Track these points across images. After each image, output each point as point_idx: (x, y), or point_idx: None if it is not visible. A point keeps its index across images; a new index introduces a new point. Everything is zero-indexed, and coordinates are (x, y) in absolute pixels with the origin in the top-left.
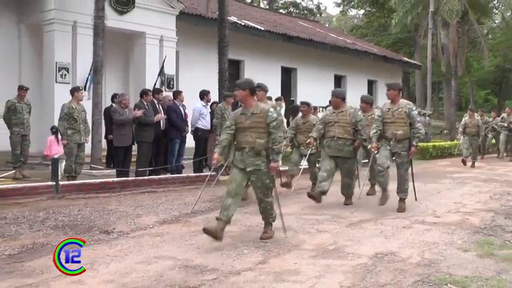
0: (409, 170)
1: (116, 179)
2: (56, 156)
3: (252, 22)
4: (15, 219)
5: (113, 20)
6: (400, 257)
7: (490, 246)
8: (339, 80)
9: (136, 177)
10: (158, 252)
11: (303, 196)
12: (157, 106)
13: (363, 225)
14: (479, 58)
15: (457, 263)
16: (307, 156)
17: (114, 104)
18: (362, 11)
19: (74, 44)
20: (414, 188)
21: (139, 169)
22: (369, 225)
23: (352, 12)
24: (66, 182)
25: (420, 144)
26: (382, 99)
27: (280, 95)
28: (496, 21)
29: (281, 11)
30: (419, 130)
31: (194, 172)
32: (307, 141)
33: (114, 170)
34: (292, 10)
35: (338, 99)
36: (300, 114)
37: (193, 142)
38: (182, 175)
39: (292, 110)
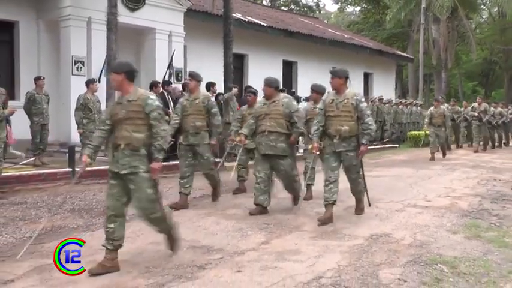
0: (361, 173)
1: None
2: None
3: (255, 18)
4: (35, 204)
5: (124, 16)
6: (394, 238)
7: (477, 228)
8: None
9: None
10: None
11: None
12: (166, 97)
13: None
14: (467, 51)
15: (446, 244)
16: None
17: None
18: (358, 8)
19: (88, 39)
20: (367, 194)
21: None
22: (365, 208)
23: (349, 9)
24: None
25: (413, 132)
26: (377, 92)
27: (282, 87)
28: (484, 17)
29: (282, 8)
30: (369, 126)
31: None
32: (238, 139)
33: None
34: (292, 7)
35: (270, 88)
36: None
37: None
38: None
39: None
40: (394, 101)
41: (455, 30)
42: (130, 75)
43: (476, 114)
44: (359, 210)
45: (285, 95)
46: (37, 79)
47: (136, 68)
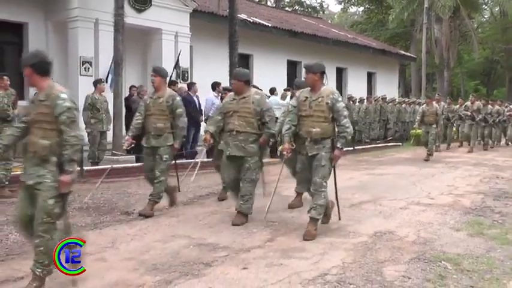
0: (332, 180)
1: (135, 164)
2: None
3: (260, 19)
4: None
5: (131, 17)
6: (398, 235)
7: (480, 226)
8: (340, 72)
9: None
10: (174, 232)
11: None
12: None
13: (363, 206)
14: (469, 51)
15: (449, 242)
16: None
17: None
18: (362, 8)
19: (96, 40)
20: (338, 205)
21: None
22: (369, 206)
23: (353, 9)
24: (90, 168)
25: (418, 131)
26: (380, 91)
27: (287, 86)
28: (485, 16)
29: (287, 8)
30: (345, 128)
31: (207, 157)
32: (203, 138)
33: (134, 156)
34: (297, 8)
35: (239, 82)
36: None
37: None
38: (196, 160)
39: None
40: (397, 100)
41: (458, 29)
42: (39, 67)
43: (469, 113)
44: (309, 234)
45: (257, 90)
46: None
47: (49, 58)
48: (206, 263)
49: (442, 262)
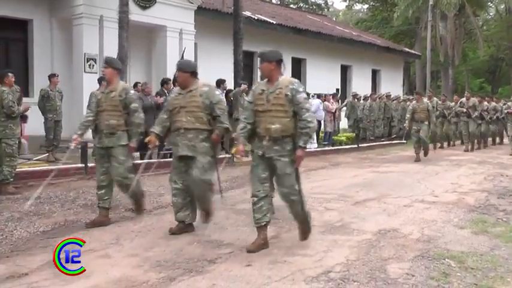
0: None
1: (139, 161)
2: None
3: (265, 16)
4: (49, 199)
5: (136, 14)
6: (402, 233)
7: (484, 223)
8: (345, 70)
9: (159, 160)
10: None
11: (312, 176)
12: None
13: (367, 203)
14: (474, 48)
15: (454, 239)
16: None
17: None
18: (366, 6)
19: (100, 37)
20: (308, 217)
21: (161, 152)
22: (373, 203)
23: (357, 6)
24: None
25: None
26: (384, 88)
27: None
28: (491, 14)
29: (291, 6)
30: (308, 123)
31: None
32: (147, 139)
33: (138, 153)
34: (301, 5)
35: (184, 73)
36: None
37: None
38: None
39: None
40: (401, 98)
41: (463, 27)
42: None
43: (464, 110)
44: (303, 234)
45: (205, 82)
46: (51, 76)
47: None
48: (210, 260)
49: (446, 260)
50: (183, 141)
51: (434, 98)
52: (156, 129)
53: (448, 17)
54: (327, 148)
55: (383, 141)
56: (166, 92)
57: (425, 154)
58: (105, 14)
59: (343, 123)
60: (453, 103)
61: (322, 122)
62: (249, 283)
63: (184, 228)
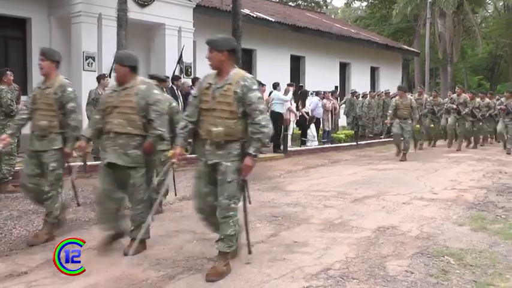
0: (241, 202)
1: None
2: None
3: (264, 14)
4: None
5: (134, 12)
6: (401, 230)
7: (483, 220)
8: (344, 67)
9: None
10: (178, 227)
11: (311, 174)
12: (176, 92)
13: (366, 201)
14: (473, 45)
15: (453, 237)
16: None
17: None
18: (365, 3)
19: (99, 35)
20: (248, 236)
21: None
22: (372, 201)
23: (356, 4)
24: (94, 163)
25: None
26: (383, 86)
27: (290, 82)
28: (489, 11)
29: (290, 3)
30: (261, 127)
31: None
32: (77, 144)
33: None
34: (300, 3)
35: (122, 67)
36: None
37: None
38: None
39: (301, 95)
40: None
41: (461, 24)
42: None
43: (454, 106)
44: (214, 272)
45: (144, 79)
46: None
47: None
48: (209, 258)
49: (445, 257)
50: (113, 147)
51: (425, 95)
52: (86, 132)
53: (446, 14)
54: (326, 145)
55: (382, 138)
56: (164, 89)
57: (405, 153)
58: (104, 12)
59: (342, 120)
60: (446, 99)
61: (321, 119)
62: (249, 281)
63: (115, 236)
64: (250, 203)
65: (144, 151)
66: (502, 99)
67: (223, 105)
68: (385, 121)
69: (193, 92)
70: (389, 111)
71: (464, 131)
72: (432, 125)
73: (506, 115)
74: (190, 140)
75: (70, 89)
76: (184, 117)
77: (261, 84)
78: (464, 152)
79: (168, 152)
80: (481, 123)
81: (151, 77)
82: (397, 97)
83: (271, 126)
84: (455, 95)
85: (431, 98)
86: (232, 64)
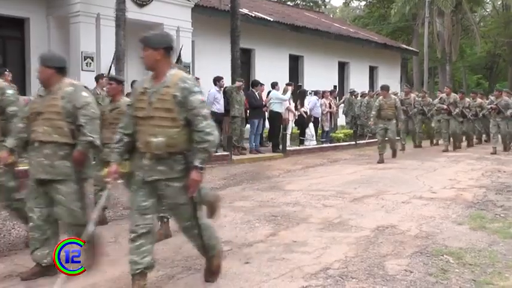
0: (199, 220)
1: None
2: None
3: (262, 13)
4: None
5: (133, 12)
6: (400, 229)
7: (482, 219)
8: (342, 66)
9: None
10: (176, 226)
11: (310, 173)
12: None
13: (366, 200)
14: (471, 44)
15: (452, 236)
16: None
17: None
18: (364, 2)
19: (97, 35)
20: (214, 251)
21: None
22: (371, 200)
23: (355, 3)
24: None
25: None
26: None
27: (289, 81)
28: (488, 10)
29: (289, 3)
30: (206, 135)
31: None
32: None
33: None
34: (298, 2)
35: (48, 69)
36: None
37: None
38: None
39: (300, 94)
40: (399, 94)
41: (460, 23)
42: None
43: (444, 106)
44: (207, 273)
45: (72, 81)
46: None
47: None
48: None
49: (444, 256)
50: (38, 159)
51: (412, 94)
52: (9, 142)
53: (445, 14)
54: (324, 145)
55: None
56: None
57: (394, 155)
58: (102, 12)
59: (341, 120)
60: (436, 99)
61: (320, 119)
62: (248, 280)
63: (41, 272)
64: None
65: (73, 162)
66: (492, 98)
67: (161, 112)
68: (369, 122)
69: (130, 98)
70: (373, 112)
71: (455, 131)
72: (424, 126)
73: (497, 114)
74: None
75: (10, 92)
76: (119, 130)
77: (260, 83)
78: (463, 151)
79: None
80: (471, 123)
81: (110, 78)
82: (380, 97)
83: (216, 133)
84: (444, 94)
85: (420, 97)
86: (170, 64)
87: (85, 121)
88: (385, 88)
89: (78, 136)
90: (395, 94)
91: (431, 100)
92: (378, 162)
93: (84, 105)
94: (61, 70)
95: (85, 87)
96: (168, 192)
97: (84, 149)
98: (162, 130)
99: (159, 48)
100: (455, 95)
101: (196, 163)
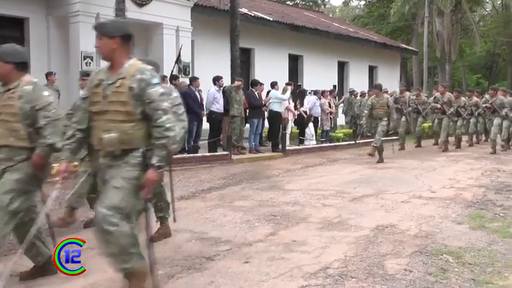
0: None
1: None
2: None
3: (261, 13)
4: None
5: (132, 12)
6: (400, 229)
7: (481, 219)
8: (342, 66)
9: None
10: (176, 226)
11: (310, 173)
12: None
13: (365, 199)
14: (471, 44)
15: (451, 235)
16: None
17: None
18: (363, 2)
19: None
20: (153, 272)
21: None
22: (371, 199)
23: (354, 3)
24: None
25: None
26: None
27: (288, 81)
28: (487, 10)
29: (288, 2)
30: (165, 131)
31: (209, 152)
32: None
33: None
34: (298, 2)
35: (7, 64)
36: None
37: (208, 124)
38: (198, 154)
39: (299, 94)
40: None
41: (459, 23)
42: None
43: (438, 105)
44: None
45: (32, 79)
46: (48, 74)
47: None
48: (208, 257)
49: (444, 255)
50: None
51: (407, 93)
52: None
53: (444, 13)
54: (324, 144)
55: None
56: None
57: (379, 155)
58: (102, 11)
59: (341, 119)
60: (430, 98)
61: (320, 119)
62: (247, 280)
63: (39, 272)
64: (154, 240)
65: (32, 166)
66: (487, 96)
67: (116, 106)
68: (361, 122)
69: (84, 91)
70: (365, 111)
71: (447, 131)
72: (418, 124)
73: (492, 113)
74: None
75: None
76: (71, 126)
77: (259, 83)
78: (463, 150)
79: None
80: (468, 123)
81: (83, 73)
82: (372, 96)
83: (178, 129)
84: (438, 93)
85: (414, 96)
86: (127, 54)
87: (45, 123)
88: (378, 87)
89: (37, 139)
90: (394, 94)
91: (425, 99)
92: (378, 162)
93: (45, 105)
94: (21, 66)
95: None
96: (109, 174)
97: (43, 153)
98: (116, 125)
99: (115, 37)
100: (450, 94)
101: (154, 161)
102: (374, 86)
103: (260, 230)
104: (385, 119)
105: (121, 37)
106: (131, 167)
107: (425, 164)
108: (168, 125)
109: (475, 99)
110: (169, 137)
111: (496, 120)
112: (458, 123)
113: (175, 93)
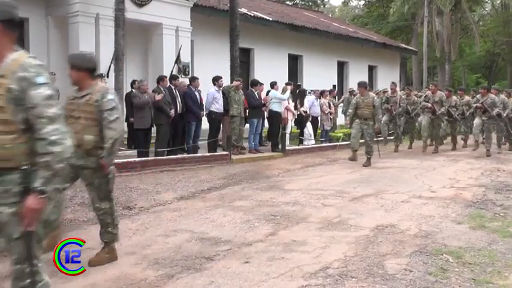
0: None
1: (136, 159)
2: None
3: (261, 13)
4: None
5: (132, 12)
6: (399, 229)
7: (481, 218)
8: (341, 66)
9: (156, 157)
10: (176, 226)
11: (309, 173)
12: (174, 91)
13: (365, 199)
14: (471, 44)
15: (451, 235)
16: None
17: (133, 90)
18: (362, 2)
19: (97, 35)
20: None
21: (158, 149)
22: (370, 199)
23: (354, 2)
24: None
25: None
26: (381, 84)
27: (288, 81)
28: (487, 9)
29: (288, 2)
30: (49, 145)
31: (209, 152)
32: None
33: (135, 151)
34: (297, 1)
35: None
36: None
37: (208, 124)
38: (198, 155)
39: (299, 94)
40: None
41: (459, 22)
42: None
43: (429, 105)
44: None
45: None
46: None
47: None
48: (208, 257)
49: (444, 255)
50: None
51: (398, 92)
52: None
53: (444, 13)
54: (324, 144)
55: (380, 137)
56: (162, 89)
57: (366, 163)
58: (101, 12)
59: (340, 119)
60: (420, 98)
61: (320, 118)
62: (247, 280)
63: None
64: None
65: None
66: (478, 96)
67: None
68: (345, 122)
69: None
70: (349, 110)
71: (435, 132)
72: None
73: (483, 113)
74: None
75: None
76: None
77: (259, 83)
78: (462, 150)
79: None
80: (459, 123)
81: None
82: (358, 95)
83: (67, 142)
84: (429, 92)
85: (404, 96)
86: (11, 44)
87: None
88: (362, 85)
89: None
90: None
91: (416, 98)
92: (364, 166)
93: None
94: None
95: None
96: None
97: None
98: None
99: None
100: (442, 93)
101: (36, 184)
102: (358, 84)
103: (260, 230)
104: (371, 121)
105: (2, 22)
106: (13, 197)
107: (425, 164)
108: (52, 138)
109: (466, 98)
110: (53, 153)
111: (477, 120)
112: (442, 125)
113: (111, 96)
